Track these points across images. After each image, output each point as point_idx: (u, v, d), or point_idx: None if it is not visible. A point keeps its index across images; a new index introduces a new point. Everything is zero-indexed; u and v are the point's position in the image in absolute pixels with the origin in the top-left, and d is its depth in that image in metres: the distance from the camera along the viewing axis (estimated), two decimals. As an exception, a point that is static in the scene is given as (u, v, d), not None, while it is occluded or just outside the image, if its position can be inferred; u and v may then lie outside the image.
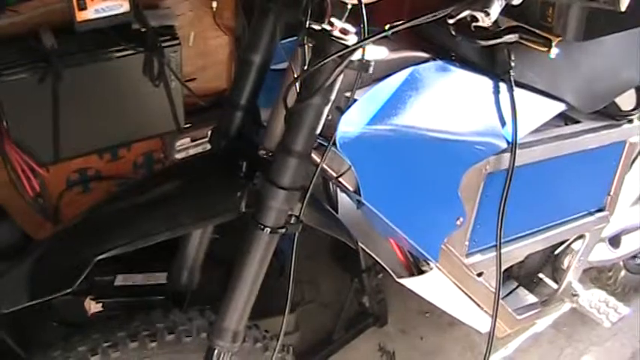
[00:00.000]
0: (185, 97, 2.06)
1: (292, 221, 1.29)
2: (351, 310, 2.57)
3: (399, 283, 1.62)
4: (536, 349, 2.59)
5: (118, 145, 2.06)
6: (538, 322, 2.59)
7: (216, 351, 1.39)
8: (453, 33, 1.40)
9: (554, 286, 2.06)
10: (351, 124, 1.27)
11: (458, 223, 1.51)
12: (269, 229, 1.26)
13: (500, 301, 1.67)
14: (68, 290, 1.23)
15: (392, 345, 2.55)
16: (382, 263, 1.63)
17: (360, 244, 1.61)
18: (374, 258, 1.63)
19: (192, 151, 2.16)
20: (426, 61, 1.45)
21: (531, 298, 2.05)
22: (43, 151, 1.86)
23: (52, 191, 2.07)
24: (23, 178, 1.86)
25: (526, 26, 1.37)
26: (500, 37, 1.35)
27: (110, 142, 1.99)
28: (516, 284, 2.06)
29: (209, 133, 2.11)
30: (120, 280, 1.79)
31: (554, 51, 1.34)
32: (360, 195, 1.32)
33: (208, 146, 2.05)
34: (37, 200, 2.00)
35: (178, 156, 2.15)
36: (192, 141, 2.14)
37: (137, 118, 1.97)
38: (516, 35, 1.32)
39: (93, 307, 1.75)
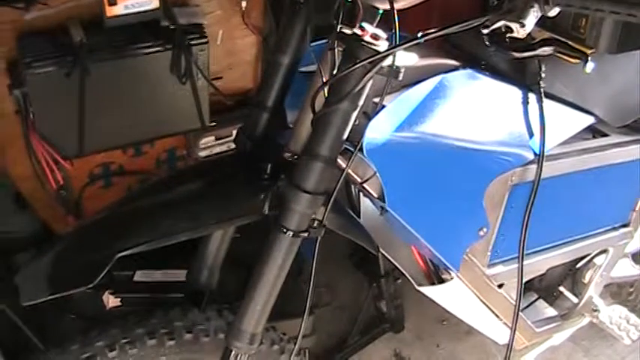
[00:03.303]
0: (210, 95, 2.05)
1: (315, 225, 1.28)
2: (368, 315, 2.56)
3: (418, 290, 1.61)
4: (553, 362, 2.57)
5: (142, 141, 2.06)
6: (556, 336, 2.57)
7: (233, 352, 1.39)
8: (487, 43, 1.38)
9: (575, 300, 2.03)
10: (379, 131, 1.26)
11: (481, 233, 1.50)
12: (291, 233, 1.25)
13: (520, 313, 1.65)
14: (89, 286, 1.22)
15: (407, 351, 2.54)
16: (402, 270, 1.62)
17: (381, 250, 1.60)
18: (394, 264, 1.62)
19: (216, 150, 2.15)
20: (455, 69, 1.44)
21: (551, 312, 2.03)
22: (68, 144, 1.86)
23: (75, 185, 2.07)
24: (47, 170, 1.87)
25: (560, 38, 1.36)
26: (535, 50, 1.33)
27: (135, 137, 1.99)
28: (536, 296, 2.04)
29: (233, 132, 2.12)
30: (139, 275, 1.79)
31: (590, 66, 1.31)
32: (384, 201, 1.31)
33: (232, 145, 2.05)
34: (60, 193, 2.01)
35: (202, 154, 2.15)
36: (217, 139, 2.14)
37: (162, 115, 1.97)
38: (551, 48, 1.30)
39: (111, 301, 1.75)
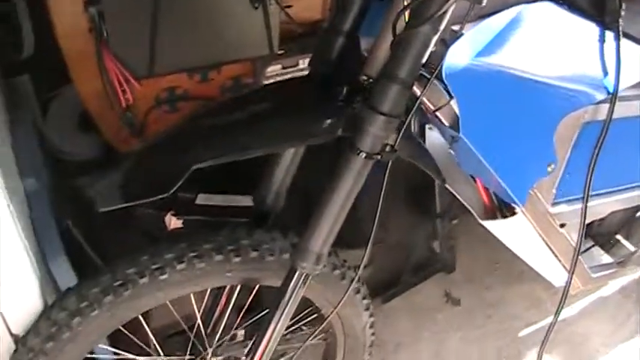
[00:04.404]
0: (280, 24, 2.04)
1: (387, 149, 1.29)
2: (421, 254, 2.58)
3: (481, 225, 1.62)
4: (602, 313, 2.57)
5: (211, 65, 2.06)
6: (607, 285, 2.58)
7: (297, 272, 1.42)
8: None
9: (632, 248, 2.03)
10: (458, 57, 1.26)
11: (549, 169, 1.50)
12: (364, 154, 1.26)
13: (579, 256, 1.65)
14: (165, 195, 1.25)
15: (457, 292, 2.56)
16: (465, 204, 1.62)
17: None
18: (458, 198, 1.62)
19: (281, 79, 2.15)
20: (534, 1, 1.42)
21: (607, 258, 2.03)
22: (139, 64, 1.87)
23: (141, 107, 2.09)
24: (118, 89, 1.89)
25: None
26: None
27: (204, 60, 1.99)
28: (592, 243, 2.04)
29: (300, 62, 2.12)
30: (201, 199, 1.81)
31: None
32: (456, 130, 1.32)
33: (298, 75, 2.06)
34: (126, 114, 2.03)
35: (267, 83, 2.15)
36: (283, 68, 2.14)
37: (233, 39, 1.96)
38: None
39: (173, 222, 1.78)
